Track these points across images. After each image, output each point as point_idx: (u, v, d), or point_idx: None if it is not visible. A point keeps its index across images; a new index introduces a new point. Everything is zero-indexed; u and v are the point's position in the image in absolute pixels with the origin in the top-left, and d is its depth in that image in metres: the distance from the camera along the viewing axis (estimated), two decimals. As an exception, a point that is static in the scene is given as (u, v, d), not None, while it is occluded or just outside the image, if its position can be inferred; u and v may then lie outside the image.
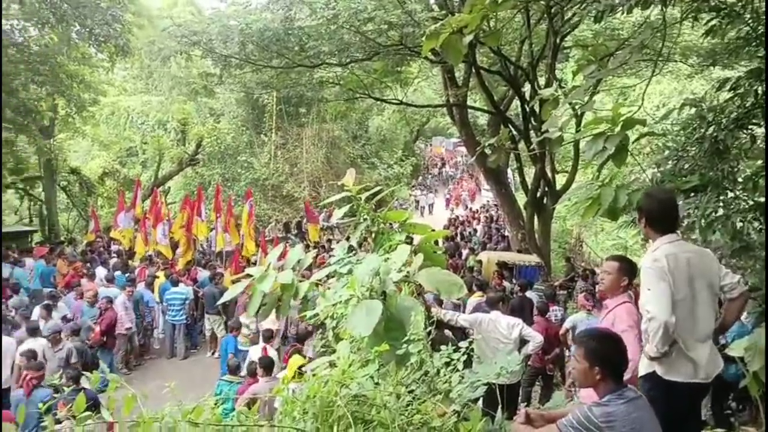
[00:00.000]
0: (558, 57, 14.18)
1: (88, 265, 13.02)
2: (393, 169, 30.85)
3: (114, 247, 15.20)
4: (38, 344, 8.35)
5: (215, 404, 2.40)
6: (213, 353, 11.53)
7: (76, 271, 12.16)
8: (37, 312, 9.67)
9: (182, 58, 16.74)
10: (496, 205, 25.43)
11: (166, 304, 11.48)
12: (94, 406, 2.29)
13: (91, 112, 20.44)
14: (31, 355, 7.54)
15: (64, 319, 9.87)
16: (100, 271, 12.44)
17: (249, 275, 3.78)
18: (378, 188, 4.73)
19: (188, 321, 11.72)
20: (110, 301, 10.22)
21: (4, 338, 8.66)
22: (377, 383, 2.90)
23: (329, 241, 17.83)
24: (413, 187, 36.51)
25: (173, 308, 11.38)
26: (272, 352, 8.16)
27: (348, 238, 14.52)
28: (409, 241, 4.30)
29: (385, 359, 3.19)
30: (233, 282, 11.50)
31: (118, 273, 12.22)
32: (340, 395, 2.57)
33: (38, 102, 16.93)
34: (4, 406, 7.12)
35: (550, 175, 14.74)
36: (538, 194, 14.91)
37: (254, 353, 8.20)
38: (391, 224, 4.42)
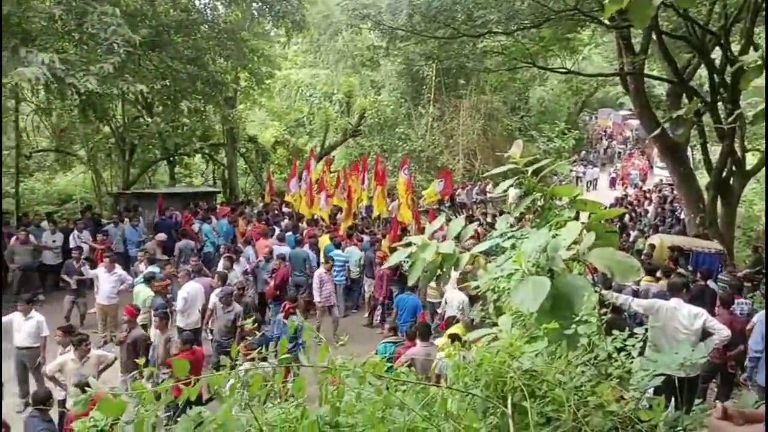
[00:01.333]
0: (756, 20, 12.44)
1: (264, 224, 14.29)
2: (554, 143, 29.57)
3: (286, 210, 16.48)
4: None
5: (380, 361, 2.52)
6: (368, 315, 12.11)
7: (256, 229, 13.40)
8: (221, 264, 10.86)
9: (351, 31, 17.39)
10: (670, 185, 23.34)
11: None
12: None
13: (267, 85, 22.11)
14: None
15: (245, 273, 10.98)
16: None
17: (408, 243, 3.86)
18: (546, 161, 4.56)
19: (348, 282, 12.39)
20: (283, 258, 11.13)
21: (195, 283, 9.86)
22: (548, 360, 2.84)
23: (484, 214, 17.67)
24: (575, 162, 34.73)
25: (335, 269, 12.07)
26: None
27: (501, 213, 14.26)
28: (577, 218, 4.11)
29: (553, 338, 3.10)
30: (390, 249, 11.96)
31: (289, 234, 13.24)
32: (513, 367, 2.55)
33: (225, 75, 18.69)
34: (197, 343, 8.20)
35: (739, 153, 13.15)
36: (724, 174, 13.39)
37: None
38: (558, 199, 4.26)
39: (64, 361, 7.50)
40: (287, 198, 15.75)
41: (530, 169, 4.29)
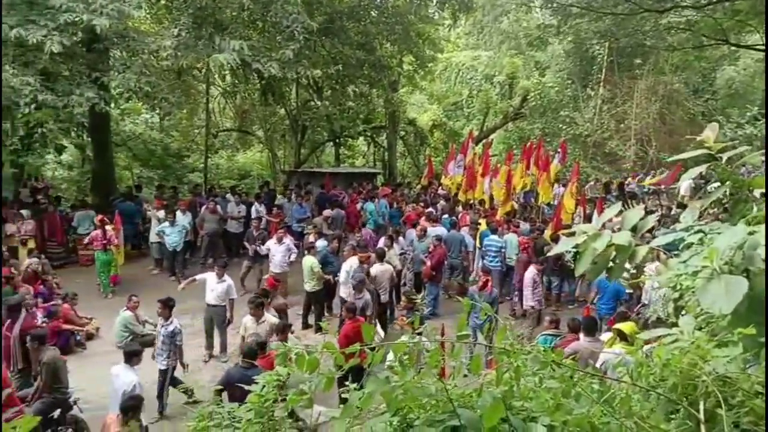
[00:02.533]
0: None
1: (422, 205, 14.59)
2: (744, 130, 26.29)
3: (442, 192, 16.66)
4: (384, 268, 9.87)
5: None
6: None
7: (415, 211, 13.74)
8: (382, 242, 11.31)
9: (518, 11, 16.89)
10: None
11: (484, 249, 12.12)
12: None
13: (429, 68, 22.33)
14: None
15: (402, 255, 11.36)
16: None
17: (573, 232, 3.69)
18: (742, 148, 4.10)
19: (503, 269, 12.23)
20: (439, 239, 11.30)
21: (357, 258, 10.37)
22: (743, 368, 2.59)
23: (659, 206, 16.34)
24: (768, 152, 30.46)
25: (489, 254, 11.98)
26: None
27: (681, 205, 13.02)
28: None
29: (748, 344, 2.81)
30: (552, 238, 11.58)
31: (445, 216, 13.39)
32: (704, 371, 2.37)
33: (390, 59, 19.23)
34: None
35: None
36: None
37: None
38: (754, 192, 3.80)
39: (245, 320, 8.35)
40: (444, 181, 15.90)
41: (724, 156, 3.89)
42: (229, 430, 3.20)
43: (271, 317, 8.53)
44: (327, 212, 14.11)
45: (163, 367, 8.09)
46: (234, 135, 27.24)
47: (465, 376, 2.92)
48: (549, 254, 9.86)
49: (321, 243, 11.43)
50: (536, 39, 22.86)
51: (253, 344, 7.12)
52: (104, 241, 12.20)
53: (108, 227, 12.49)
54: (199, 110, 23.49)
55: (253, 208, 14.55)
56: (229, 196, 15.42)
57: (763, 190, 3.75)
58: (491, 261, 11.91)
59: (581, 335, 6.78)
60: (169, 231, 12.93)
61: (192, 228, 13.82)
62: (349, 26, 17.05)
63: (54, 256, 13.36)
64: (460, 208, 14.76)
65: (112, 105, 14.68)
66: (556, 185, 14.77)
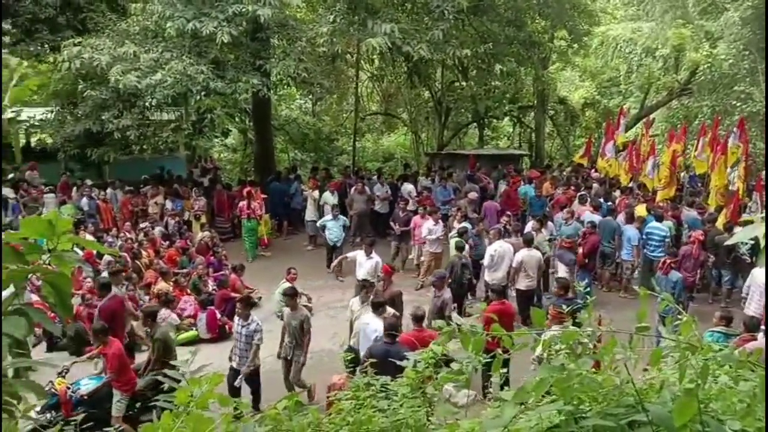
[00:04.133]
0: None
1: (572, 189, 13.88)
2: None
3: (594, 175, 15.71)
4: (532, 254, 9.54)
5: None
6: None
7: (566, 194, 13.13)
8: (529, 226, 10.96)
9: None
10: None
11: (645, 237, 11.22)
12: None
13: (584, 42, 21.06)
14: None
15: (551, 240, 10.92)
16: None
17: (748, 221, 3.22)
18: None
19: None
20: (594, 226, 10.68)
21: (504, 243, 10.15)
22: None
23: None
24: None
25: (652, 243, 11.06)
26: None
27: None
28: None
29: None
30: (725, 227, 10.44)
31: (599, 200, 12.61)
32: None
33: (542, 35, 18.42)
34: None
35: None
36: None
37: None
38: None
39: (352, 302, 8.22)
40: (600, 163, 14.96)
41: None
42: (386, 402, 3.27)
43: None
44: (472, 195, 13.96)
45: (241, 367, 7.48)
46: (380, 118, 27.91)
47: (645, 369, 2.72)
48: (729, 241, 8.86)
49: (464, 225, 11.34)
50: (709, 6, 20.50)
51: (393, 321, 7.25)
52: (248, 211, 13.67)
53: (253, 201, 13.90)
54: (348, 95, 24.37)
55: (403, 189, 14.87)
56: (375, 177, 15.92)
57: None
58: (653, 251, 10.97)
59: (759, 335, 6.03)
60: (331, 225, 12.78)
61: (341, 208, 14.48)
62: (498, 2, 16.55)
63: (222, 230, 14.71)
64: (617, 193, 13.82)
65: (273, 91, 15.68)
66: (729, 169, 13.23)
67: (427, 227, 11.75)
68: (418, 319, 7.02)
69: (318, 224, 13.23)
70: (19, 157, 18.92)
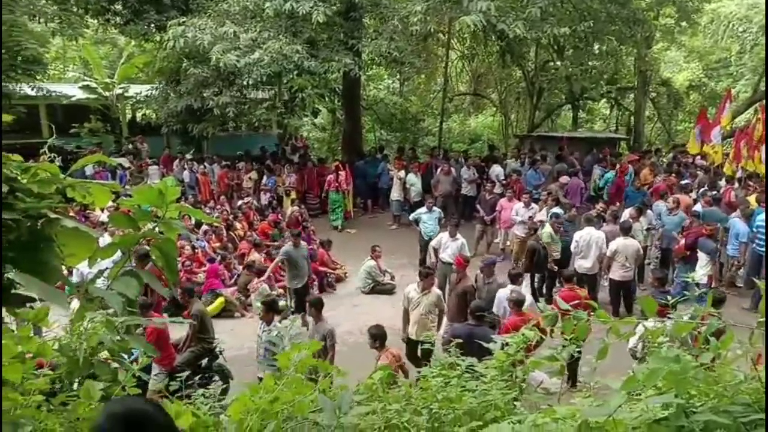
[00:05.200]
0: None
1: (673, 176, 13.09)
2: None
3: (700, 162, 14.72)
4: (628, 243, 9.11)
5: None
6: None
7: (667, 181, 12.43)
8: (626, 213, 10.44)
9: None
10: None
11: (755, 231, 10.37)
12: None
13: (693, 20, 19.64)
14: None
15: (648, 230, 10.38)
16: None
17: None
18: None
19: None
20: (697, 216, 10.03)
21: (593, 230, 9.74)
22: None
23: None
24: None
25: (762, 237, 10.20)
26: None
27: None
28: None
29: None
30: None
31: (703, 189, 11.82)
32: None
33: (647, 12, 17.34)
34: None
35: None
36: None
37: None
38: None
39: (408, 290, 7.82)
40: (705, 149, 13.98)
41: None
42: (474, 383, 3.25)
43: (436, 290, 7.75)
44: (564, 179, 13.49)
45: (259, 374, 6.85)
46: (468, 99, 27.46)
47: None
48: None
49: (556, 211, 10.98)
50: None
51: (480, 303, 7.16)
52: (336, 184, 14.52)
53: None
54: (437, 74, 24.12)
55: (491, 171, 14.63)
56: (461, 159, 15.74)
57: None
58: (763, 246, 10.07)
59: None
60: (426, 218, 11.76)
61: (425, 189, 14.50)
62: (601, -22, 15.71)
63: (311, 206, 15.14)
64: (722, 182, 12.88)
65: (363, 71, 15.81)
66: None
67: (516, 210, 11.52)
68: (517, 303, 6.92)
69: (411, 217, 12.39)
70: (125, 130, 20.24)
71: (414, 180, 14.44)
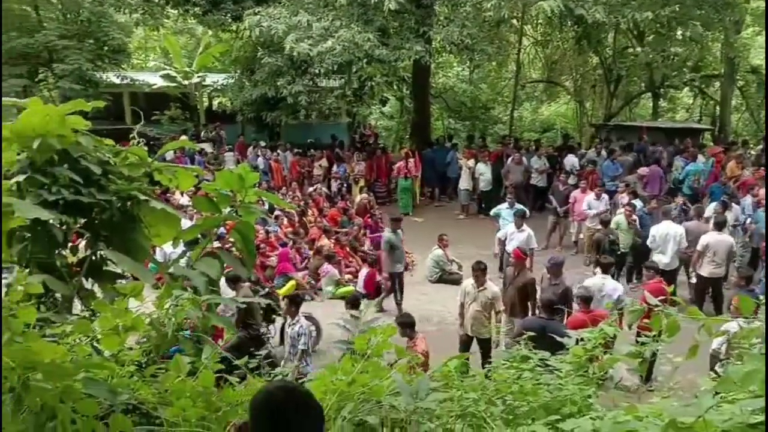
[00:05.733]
0: None
1: (762, 169, 12.27)
2: None
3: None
4: (722, 239, 8.67)
5: None
6: None
7: (758, 174, 11.69)
8: (710, 208, 9.92)
9: None
10: None
11: None
12: None
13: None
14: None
15: (734, 226, 9.81)
16: None
17: None
18: None
19: None
20: (790, 212, 9.39)
21: (671, 224, 9.29)
22: None
23: None
24: None
25: None
26: None
27: None
28: None
29: None
30: None
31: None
32: None
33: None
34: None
35: None
36: None
37: None
38: None
39: (465, 285, 7.57)
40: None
41: None
42: (549, 377, 3.18)
43: (493, 286, 7.42)
44: (642, 170, 12.93)
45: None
46: (540, 86, 26.74)
47: None
48: None
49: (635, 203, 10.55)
50: None
51: (552, 296, 6.97)
52: (406, 171, 14.65)
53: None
54: (509, 61, 23.59)
55: (565, 161, 14.22)
56: (532, 149, 15.39)
57: None
58: None
59: None
60: (506, 214, 11.13)
61: (495, 179, 14.27)
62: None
63: (379, 194, 15.23)
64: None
65: (433, 58, 15.71)
66: None
67: (587, 202, 11.15)
68: (586, 300, 6.65)
69: (492, 212, 11.79)
70: (203, 118, 21.02)
71: (483, 169, 14.26)
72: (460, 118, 25.03)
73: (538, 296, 7.43)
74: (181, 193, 11.71)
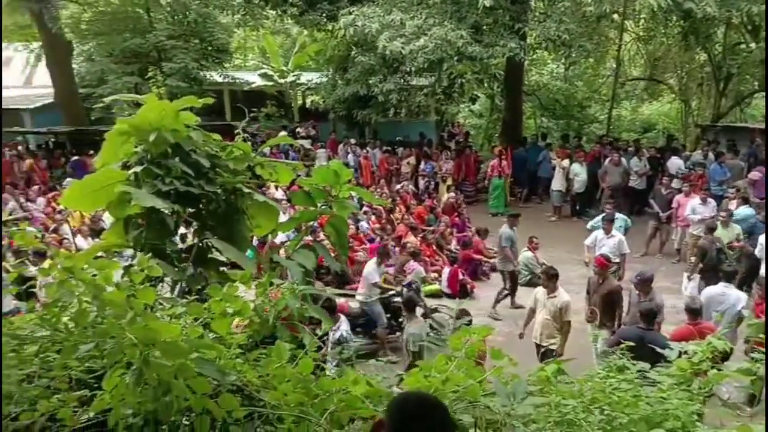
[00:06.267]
0: None
1: None
2: None
3: None
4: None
5: None
6: None
7: None
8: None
9: None
10: None
11: None
12: None
13: None
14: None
15: None
16: None
17: None
18: None
19: None
20: None
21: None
22: None
23: None
24: None
25: None
26: None
27: None
28: None
29: None
30: None
31: None
32: None
33: None
34: None
35: None
36: None
37: None
38: None
39: (537, 291, 7.27)
40: None
41: None
42: (648, 389, 3.03)
43: (564, 294, 6.97)
44: (754, 174, 11.96)
45: None
46: (641, 84, 25.37)
47: None
48: None
49: (745, 211, 9.79)
50: None
51: (653, 306, 6.57)
52: (499, 169, 14.40)
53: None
54: (607, 58, 22.58)
55: (669, 163, 13.44)
56: (631, 150, 14.63)
57: None
58: None
59: None
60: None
61: (592, 180, 13.72)
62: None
63: (466, 193, 15.09)
64: None
65: (528, 55, 15.33)
66: None
67: (692, 206, 10.47)
68: (694, 312, 6.23)
69: (589, 226, 10.56)
70: (296, 115, 21.70)
71: (579, 170, 13.72)
72: (553, 117, 24.27)
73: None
74: (276, 187, 12.15)
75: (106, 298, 1.81)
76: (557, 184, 14.11)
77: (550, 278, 6.93)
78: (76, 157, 15.98)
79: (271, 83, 20.00)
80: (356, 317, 8.11)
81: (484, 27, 13.45)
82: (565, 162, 14.03)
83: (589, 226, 10.61)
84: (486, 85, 19.26)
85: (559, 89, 24.17)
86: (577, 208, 14.29)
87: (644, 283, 7.08)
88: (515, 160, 15.35)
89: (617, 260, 9.20)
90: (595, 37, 15.76)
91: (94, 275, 1.88)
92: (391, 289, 8.76)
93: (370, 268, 8.58)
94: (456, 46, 12.58)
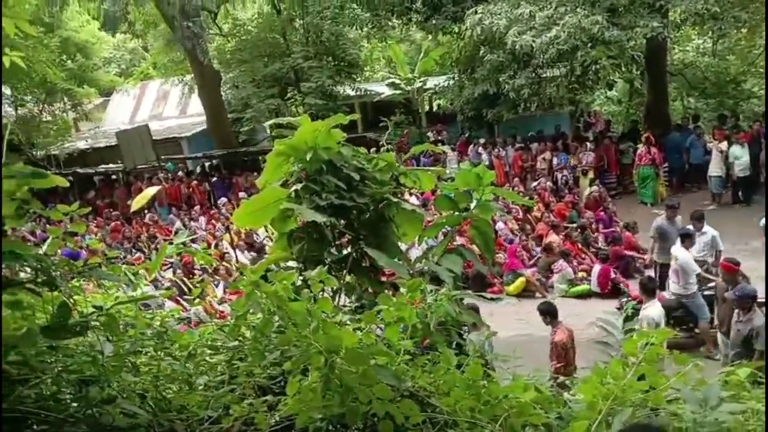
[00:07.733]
0: None
1: None
2: None
3: None
4: None
5: None
6: None
7: None
8: None
9: None
10: None
11: None
12: None
13: None
14: None
15: None
16: None
17: None
18: None
19: None
20: None
21: None
22: None
23: None
24: None
25: None
26: None
27: None
28: None
29: None
30: None
31: None
32: None
33: None
34: None
35: None
36: None
37: None
38: None
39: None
40: None
41: None
42: None
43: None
44: None
45: None
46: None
47: None
48: None
49: None
50: None
51: (749, 329, 5.89)
52: (649, 158, 13.43)
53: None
54: (762, 26, 20.16)
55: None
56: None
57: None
58: None
59: None
60: None
61: (755, 161, 12.37)
62: None
63: (609, 186, 14.24)
64: None
65: (672, 33, 14.16)
66: None
67: None
68: None
69: (761, 224, 9.29)
70: (424, 121, 21.86)
71: (739, 152, 12.35)
72: (703, 96, 22.16)
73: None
74: (410, 194, 12.32)
75: (290, 308, 1.95)
76: (716, 169, 12.80)
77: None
78: (215, 178, 17.63)
79: (398, 92, 20.36)
80: (671, 309, 7.41)
81: (621, 9, 12.61)
82: (724, 144, 12.72)
83: (762, 224, 9.21)
84: (624, 69, 18.07)
85: (708, 65, 22.03)
86: (740, 194, 12.91)
87: (744, 300, 6.04)
88: (668, 145, 14.19)
89: (710, 259, 8.27)
90: (750, 5, 14.11)
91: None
92: (712, 280, 8.06)
93: (687, 257, 7.61)
94: (591, 33, 11.94)
